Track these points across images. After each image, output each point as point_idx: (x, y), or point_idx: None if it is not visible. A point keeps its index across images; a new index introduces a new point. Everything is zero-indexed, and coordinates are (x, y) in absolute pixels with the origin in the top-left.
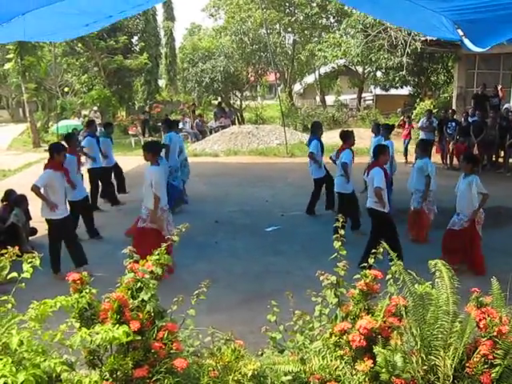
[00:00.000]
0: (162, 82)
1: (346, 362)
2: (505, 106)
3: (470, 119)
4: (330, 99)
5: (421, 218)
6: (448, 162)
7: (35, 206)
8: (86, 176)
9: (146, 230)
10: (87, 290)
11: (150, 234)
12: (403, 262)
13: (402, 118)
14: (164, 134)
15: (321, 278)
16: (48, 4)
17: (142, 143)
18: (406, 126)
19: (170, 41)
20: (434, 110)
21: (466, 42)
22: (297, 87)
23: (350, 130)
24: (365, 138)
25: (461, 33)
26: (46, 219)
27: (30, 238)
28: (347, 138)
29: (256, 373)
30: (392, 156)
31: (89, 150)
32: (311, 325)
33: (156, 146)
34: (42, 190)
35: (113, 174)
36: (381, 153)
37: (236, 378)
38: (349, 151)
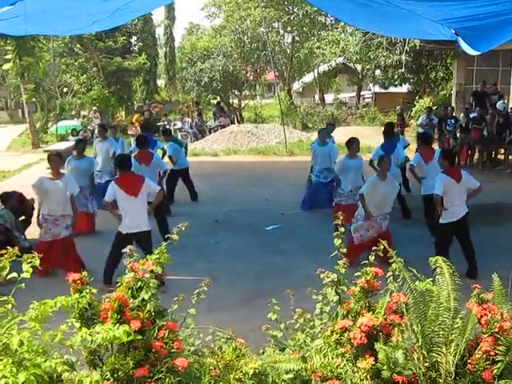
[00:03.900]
0: (160, 82)
1: (347, 360)
2: (498, 103)
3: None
4: (329, 97)
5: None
6: None
7: None
8: None
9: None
10: (87, 290)
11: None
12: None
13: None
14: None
15: (321, 275)
16: None
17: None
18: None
19: (169, 40)
20: (433, 108)
21: (463, 44)
22: (296, 86)
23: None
24: (365, 137)
25: (453, 31)
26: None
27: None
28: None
29: (257, 371)
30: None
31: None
32: (312, 323)
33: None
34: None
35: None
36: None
37: (237, 377)
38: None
